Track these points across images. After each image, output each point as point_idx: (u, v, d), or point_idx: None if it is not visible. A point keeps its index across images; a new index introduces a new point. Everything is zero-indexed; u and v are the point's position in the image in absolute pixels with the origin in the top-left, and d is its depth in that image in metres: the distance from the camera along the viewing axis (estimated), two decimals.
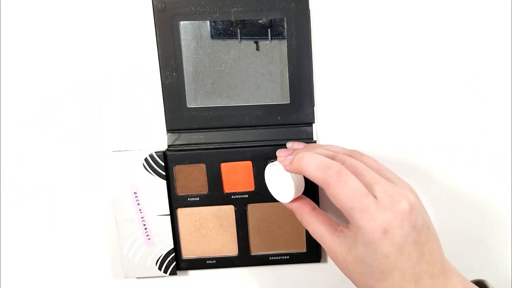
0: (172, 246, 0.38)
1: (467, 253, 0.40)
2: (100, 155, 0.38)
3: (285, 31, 0.35)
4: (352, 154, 0.32)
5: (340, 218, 0.38)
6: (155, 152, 0.37)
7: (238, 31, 0.36)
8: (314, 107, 0.37)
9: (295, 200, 0.33)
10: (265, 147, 0.37)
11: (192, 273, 0.41)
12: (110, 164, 0.37)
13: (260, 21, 0.35)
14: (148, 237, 0.38)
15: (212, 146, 0.37)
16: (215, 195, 0.38)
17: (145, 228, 0.38)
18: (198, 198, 0.38)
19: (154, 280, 0.41)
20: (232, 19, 0.35)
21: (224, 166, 0.37)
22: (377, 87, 0.37)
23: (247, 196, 0.38)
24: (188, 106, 0.37)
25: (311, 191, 0.37)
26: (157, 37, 0.35)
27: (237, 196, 0.38)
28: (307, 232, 0.39)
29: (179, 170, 0.37)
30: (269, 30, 0.36)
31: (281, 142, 0.37)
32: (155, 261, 0.39)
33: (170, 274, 0.39)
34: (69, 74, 0.37)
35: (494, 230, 0.40)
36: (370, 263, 0.27)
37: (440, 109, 0.37)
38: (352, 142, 0.38)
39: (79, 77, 0.37)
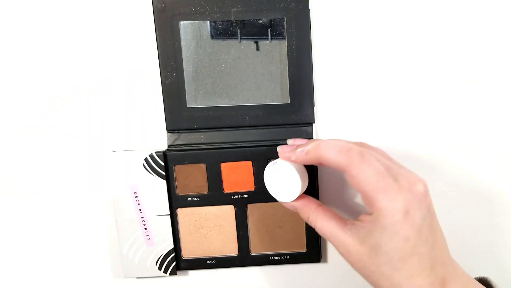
0: (172, 246, 0.38)
1: (467, 253, 0.40)
2: (100, 155, 0.38)
3: (285, 31, 0.35)
4: (361, 145, 0.32)
5: (344, 215, 0.37)
6: (155, 152, 0.37)
7: (238, 31, 0.36)
8: (314, 107, 0.37)
9: (299, 198, 0.33)
10: (265, 147, 0.37)
11: (192, 273, 0.41)
12: (110, 164, 0.37)
13: (260, 21, 0.35)
14: (148, 237, 0.38)
15: (212, 146, 0.37)
16: (215, 195, 0.38)
17: (145, 228, 0.38)
18: (198, 198, 0.38)
19: (154, 280, 0.41)
20: (232, 19, 0.35)
21: (224, 166, 0.37)
22: (377, 87, 0.37)
23: (247, 196, 0.38)
24: (188, 106, 0.37)
25: (311, 189, 0.37)
26: (157, 37, 0.35)
27: (237, 196, 0.38)
28: (307, 232, 0.39)
29: (179, 170, 0.37)
30: (269, 30, 0.36)
31: (281, 142, 0.37)
32: (155, 261, 0.39)
33: (170, 274, 0.39)
34: (69, 74, 0.37)
35: (494, 230, 0.40)
36: (388, 250, 0.27)
37: (440, 109, 0.37)
38: None
39: (79, 77, 0.37)
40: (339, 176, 0.39)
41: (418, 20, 0.36)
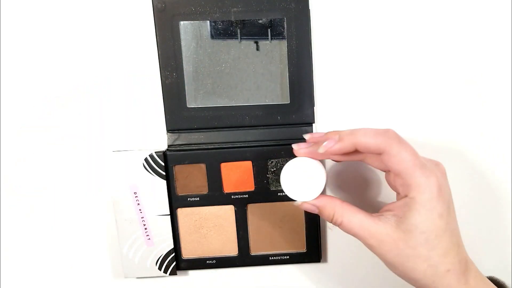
0: (172, 246, 0.38)
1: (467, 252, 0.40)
2: (100, 155, 0.38)
3: (285, 31, 0.35)
4: None
5: None
6: (155, 152, 0.37)
7: (238, 31, 0.36)
8: (314, 107, 0.37)
9: (319, 197, 0.32)
10: (265, 147, 0.37)
11: (192, 273, 0.41)
12: (110, 164, 0.37)
13: (260, 21, 0.35)
14: (148, 237, 0.38)
15: (212, 146, 0.37)
16: (215, 195, 0.38)
17: (145, 228, 0.38)
18: (198, 198, 0.38)
19: (154, 280, 0.41)
20: (232, 19, 0.35)
21: (224, 166, 0.37)
22: (377, 87, 0.37)
23: (247, 196, 0.38)
24: (188, 106, 0.37)
25: None
26: (157, 37, 0.35)
27: (237, 196, 0.38)
28: (307, 232, 0.39)
29: (179, 170, 0.37)
30: (269, 30, 0.36)
31: (281, 142, 0.37)
32: (155, 261, 0.39)
33: (170, 274, 0.39)
34: (69, 74, 0.37)
35: (494, 231, 0.40)
36: (425, 229, 0.28)
37: (440, 109, 0.37)
38: None
39: (79, 77, 0.37)
40: (340, 178, 0.39)
41: (418, 20, 0.36)
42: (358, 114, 0.37)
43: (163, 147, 0.38)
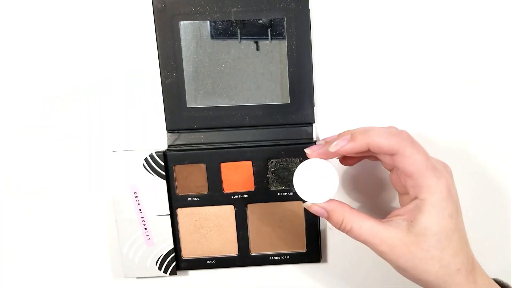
0: (172, 246, 0.38)
1: None
2: (100, 155, 0.38)
3: (285, 31, 0.35)
4: None
5: None
6: (155, 152, 0.37)
7: (238, 31, 0.36)
8: (314, 107, 0.37)
9: (329, 201, 0.31)
10: (265, 147, 0.37)
11: (192, 273, 0.41)
12: (110, 164, 0.37)
13: (260, 21, 0.35)
14: (148, 237, 0.38)
15: (212, 146, 0.37)
16: (215, 195, 0.38)
17: (145, 228, 0.38)
18: (198, 198, 0.38)
19: (154, 280, 0.41)
20: (232, 19, 0.35)
21: (224, 166, 0.37)
22: (377, 87, 0.37)
23: (247, 196, 0.38)
24: (188, 106, 0.37)
25: None
26: (157, 37, 0.35)
27: (237, 196, 0.38)
28: (307, 232, 0.39)
29: (179, 170, 0.37)
30: (269, 30, 0.36)
31: (281, 142, 0.37)
32: (155, 261, 0.39)
33: (170, 274, 0.39)
34: (69, 74, 0.37)
35: (494, 231, 0.40)
36: (436, 231, 0.28)
37: (440, 109, 0.37)
38: None
39: (79, 77, 0.37)
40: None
41: (418, 20, 0.36)
42: (358, 114, 0.37)
43: (163, 147, 0.38)
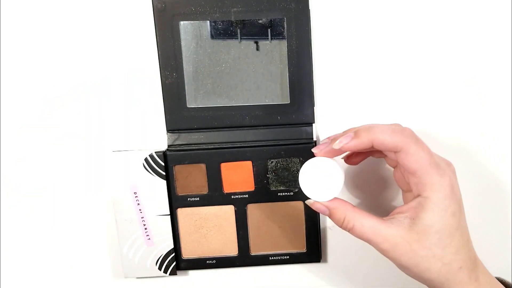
0: (172, 246, 0.38)
1: None
2: (100, 155, 0.38)
3: (285, 31, 0.35)
4: None
5: None
6: (155, 152, 0.37)
7: (238, 31, 0.36)
8: (314, 107, 0.37)
9: (332, 199, 0.31)
10: (265, 147, 0.37)
11: (192, 273, 0.41)
12: (110, 164, 0.37)
13: (260, 21, 0.35)
14: (148, 237, 0.38)
15: (212, 146, 0.37)
16: (215, 195, 0.38)
17: (145, 228, 0.38)
18: (198, 198, 0.38)
19: (154, 280, 0.41)
20: (232, 19, 0.35)
21: (224, 166, 0.37)
22: (377, 87, 0.37)
23: (247, 196, 0.38)
24: (188, 106, 0.37)
25: None
26: (157, 37, 0.35)
27: (237, 196, 0.38)
28: (307, 232, 0.39)
29: (179, 170, 0.37)
30: (269, 30, 0.36)
31: (281, 142, 0.37)
32: (155, 261, 0.39)
33: (170, 274, 0.39)
34: (69, 74, 0.37)
35: (494, 231, 0.40)
36: (439, 228, 0.28)
37: (440, 109, 0.37)
38: None
39: (79, 77, 0.37)
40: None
41: (418, 20, 0.36)
42: (358, 114, 0.37)
43: (163, 147, 0.38)
